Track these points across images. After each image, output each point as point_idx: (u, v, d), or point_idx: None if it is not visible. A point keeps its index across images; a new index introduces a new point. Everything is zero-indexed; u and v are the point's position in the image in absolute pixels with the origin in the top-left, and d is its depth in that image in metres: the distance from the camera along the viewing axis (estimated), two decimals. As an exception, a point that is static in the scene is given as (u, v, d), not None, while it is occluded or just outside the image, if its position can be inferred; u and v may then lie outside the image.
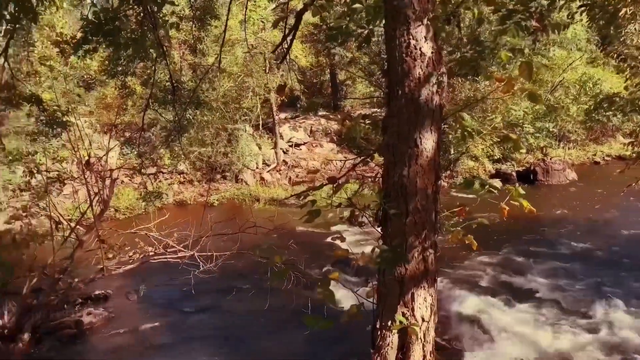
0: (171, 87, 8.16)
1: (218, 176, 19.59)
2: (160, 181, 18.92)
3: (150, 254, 9.97)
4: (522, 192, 4.25)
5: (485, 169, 19.59)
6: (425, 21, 4.02)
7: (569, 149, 22.21)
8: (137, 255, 10.06)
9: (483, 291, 9.07)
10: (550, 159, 20.10)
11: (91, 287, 9.27)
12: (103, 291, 9.52)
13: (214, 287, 9.43)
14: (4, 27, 5.68)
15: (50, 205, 10.28)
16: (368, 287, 4.77)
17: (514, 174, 19.34)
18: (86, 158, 11.95)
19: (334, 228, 12.77)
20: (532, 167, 19.48)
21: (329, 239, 11.92)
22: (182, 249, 9.73)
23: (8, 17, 4.46)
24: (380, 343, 4.49)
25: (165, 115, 13.66)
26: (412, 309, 4.39)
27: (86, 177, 10.14)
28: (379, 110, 20.56)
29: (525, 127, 19.18)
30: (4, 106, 7.96)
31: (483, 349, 7.09)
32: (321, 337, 7.34)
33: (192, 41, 17.89)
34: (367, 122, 5.10)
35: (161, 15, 6.50)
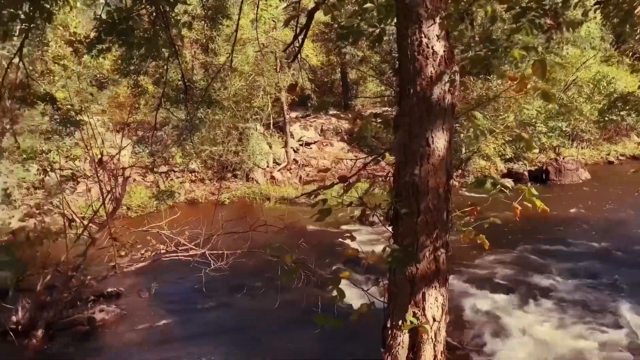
0: (183, 86, 8.21)
1: (229, 175, 19.66)
2: (172, 180, 19.05)
3: (162, 251, 10.03)
4: (535, 192, 4.22)
5: (497, 168, 19.46)
6: (437, 19, 4.00)
7: (582, 148, 21.99)
8: (149, 253, 10.12)
9: (495, 291, 9.01)
10: (563, 158, 19.91)
11: (103, 284, 9.35)
12: (115, 288, 9.61)
13: (225, 285, 9.47)
14: (18, 27, 5.74)
15: (63, 203, 10.39)
16: (379, 286, 4.76)
17: (526, 173, 19.18)
18: (99, 156, 12.05)
19: (344, 227, 12.76)
20: (544, 167, 19.31)
21: (339, 238, 11.95)
22: (194, 247, 9.78)
23: (23, 16, 4.51)
24: (391, 342, 4.48)
25: (177, 114, 13.74)
26: (423, 309, 4.37)
27: (99, 175, 10.23)
28: (389, 109, 20.52)
29: (538, 126, 19.02)
30: (19, 105, 8.05)
31: (495, 349, 7.05)
32: (332, 335, 7.35)
33: (204, 40, 17.98)
34: (379, 120, 5.09)
35: (173, 14, 6.54)
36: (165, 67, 8.00)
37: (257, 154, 19.82)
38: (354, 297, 7.19)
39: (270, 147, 21.05)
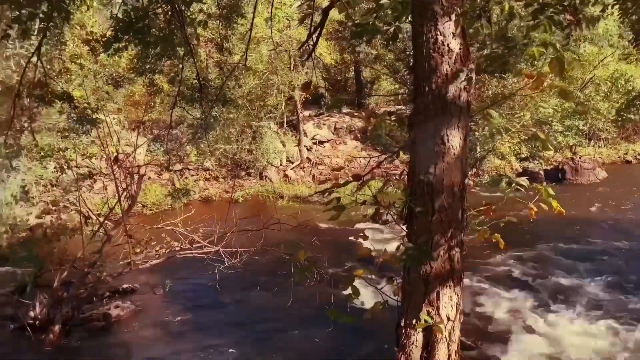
0: (198, 84, 8.26)
1: (243, 173, 19.76)
2: (186, 177, 19.19)
3: (176, 249, 10.12)
4: (552, 192, 4.16)
5: (512, 167, 19.29)
6: (453, 17, 3.96)
7: (599, 147, 21.69)
8: (164, 250, 10.21)
9: (510, 290, 8.94)
10: (580, 157, 19.67)
11: (119, 280, 9.45)
12: (130, 285, 9.71)
13: (239, 283, 9.52)
14: (37, 26, 5.83)
15: (80, 200, 10.53)
16: (392, 284, 4.74)
17: (541, 172, 18.99)
18: (115, 154, 12.17)
19: (357, 226, 12.75)
20: (560, 166, 19.09)
21: (352, 237, 11.94)
22: (208, 245, 9.84)
23: (42, 15, 4.58)
24: (405, 341, 4.46)
25: (192, 113, 13.83)
26: (438, 308, 4.35)
27: (115, 173, 10.34)
28: (403, 107, 20.44)
29: (554, 125, 18.81)
30: (37, 103, 8.17)
31: (509, 348, 6.99)
32: (345, 334, 7.35)
33: (219, 39, 18.06)
34: (393, 119, 5.07)
35: (189, 13, 6.58)
36: (181, 65, 8.06)
37: (271, 153, 19.89)
38: (367, 295, 7.19)
39: (284, 145, 21.10)
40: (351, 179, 4.47)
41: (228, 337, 7.78)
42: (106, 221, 9.55)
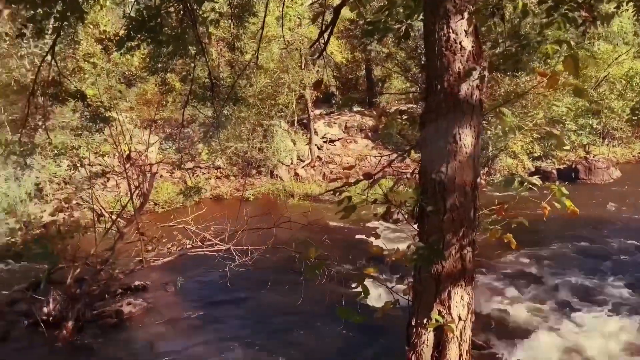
0: (210, 83, 8.29)
1: (253, 171, 19.81)
2: (198, 176, 19.29)
3: (188, 246, 10.18)
4: (566, 191, 4.12)
5: (525, 167, 19.11)
6: (465, 14, 3.94)
7: (613, 146, 21.41)
8: (175, 248, 10.28)
9: (522, 290, 8.87)
10: (593, 156, 19.44)
11: (131, 278, 9.53)
12: (142, 282, 9.79)
13: (249, 281, 9.55)
14: (51, 25, 5.88)
15: (93, 198, 10.63)
16: (403, 283, 4.73)
17: (554, 171, 18.80)
18: (127, 153, 12.28)
19: (368, 225, 12.73)
20: (574, 165, 18.90)
21: (363, 236, 11.92)
22: (219, 243, 9.88)
23: (56, 15, 4.62)
24: (416, 341, 4.45)
25: (204, 112, 13.89)
26: (449, 307, 4.33)
27: (127, 171, 10.42)
28: (415, 106, 20.35)
29: (568, 124, 18.60)
30: (50, 102, 8.25)
31: (521, 348, 6.94)
32: (356, 332, 7.35)
33: (231, 38, 18.12)
34: (404, 117, 5.05)
35: (201, 12, 6.61)
36: (193, 64, 8.09)
37: (282, 151, 19.92)
38: (378, 294, 7.18)
39: (295, 144, 21.11)
40: (362, 177, 4.47)
41: (239, 335, 7.82)
42: (118, 219, 9.63)
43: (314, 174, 20.53)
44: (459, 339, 4.37)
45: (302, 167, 20.73)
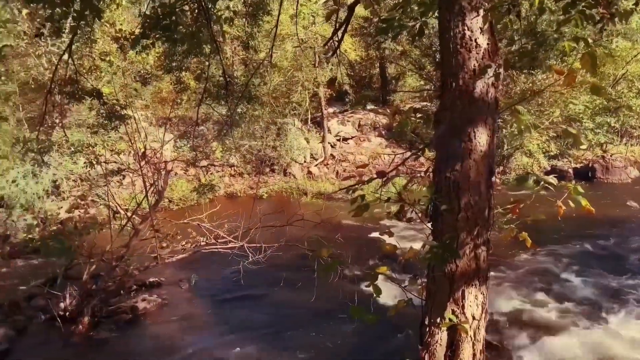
0: (224, 82, 8.33)
1: (267, 169, 19.87)
2: (212, 173, 19.40)
3: (202, 244, 10.24)
4: (581, 190, 4.07)
5: (540, 165, 18.89)
6: (481, 11, 3.90)
7: (631, 145, 21.05)
8: (189, 245, 10.35)
9: (537, 290, 8.77)
10: (611, 155, 19.16)
11: (145, 274, 9.61)
12: (157, 279, 9.87)
13: (263, 278, 9.58)
14: (68, 24, 5.96)
15: (108, 195, 10.75)
16: (416, 283, 4.72)
17: (570, 170, 18.57)
18: (142, 150, 12.38)
19: (381, 223, 12.69)
20: (590, 164, 18.64)
21: (376, 234, 11.89)
22: (232, 240, 9.93)
23: (74, 14, 4.68)
24: (429, 340, 4.44)
25: (218, 110, 13.96)
26: (463, 307, 4.31)
27: (142, 168, 10.52)
28: (429, 104, 20.23)
29: (585, 122, 18.34)
30: (67, 100, 8.36)
31: (535, 349, 6.87)
32: (369, 331, 7.34)
33: (245, 37, 18.18)
34: (418, 115, 5.02)
35: (215, 10, 6.64)
36: (207, 63, 8.14)
37: (295, 149, 19.93)
38: (391, 293, 7.16)
39: (308, 142, 21.12)
40: (375, 176, 4.45)
41: (252, 332, 7.85)
42: (134, 216, 9.72)
43: (327, 172, 20.53)
44: (473, 338, 4.35)
45: (316, 166, 20.74)
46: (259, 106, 17.76)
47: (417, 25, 4.98)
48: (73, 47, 6.72)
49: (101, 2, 5.24)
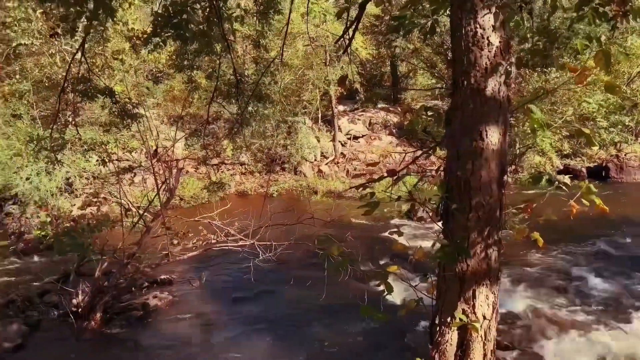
0: (235, 80, 8.35)
1: (277, 168, 19.92)
2: (223, 172, 19.49)
3: (213, 241, 10.28)
4: (594, 189, 4.03)
5: (553, 165, 18.71)
6: (493, 9, 3.87)
7: (646, 144, 20.78)
8: (200, 243, 10.40)
9: (549, 290, 8.69)
10: (625, 155, 18.92)
11: (157, 271, 9.69)
12: (168, 276, 9.94)
13: (273, 276, 9.61)
14: (82, 24, 6.01)
15: (120, 192, 10.83)
16: (427, 282, 4.69)
17: (584, 170, 18.38)
18: (154, 148, 12.47)
19: (392, 222, 12.66)
20: (604, 164, 18.44)
21: (386, 233, 11.87)
22: (243, 238, 9.96)
23: (88, 14, 4.72)
24: (439, 339, 4.41)
25: (229, 108, 14.00)
26: (473, 307, 4.28)
27: (154, 166, 10.59)
28: (440, 102, 20.13)
29: (599, 121, 18.12)
30: (80, 98, 8.43)
31: (547, 350, 6.81)
32: (379, 330, 7.33)
33: (256, 36, 18.22)
34: (429, 114, 5.00)
35: (226, 9, 6.65)
36: (218, 61, 8.17)
37: (305, 148, 19.96)
38: (401, 292, 7.14)
39: (318, 140, 21.13)
40: (386, 174, 4.44)
41: (261, 329, 7.87)
42: (145, 213, 9.79)
43: (338, 170, 20.52)
44: (484, 338, 4.32)
45: (326, 164, 20.74)
46: (270, 105, 17.80)
47: (429, 23, 4.96)
48: (86, 45, 6.77)
49: (114, 1, 5.28)
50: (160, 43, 6.15)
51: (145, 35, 6.72)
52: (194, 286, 9.73)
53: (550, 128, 15.91)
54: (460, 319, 4.24)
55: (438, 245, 4.17)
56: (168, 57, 18.17)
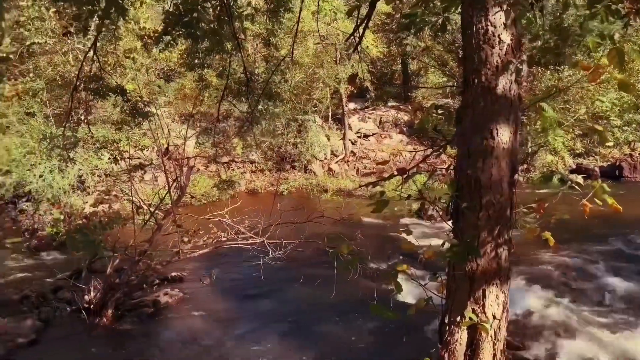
0: (245, 79, 8.38)
1: (287, 166, 19.95)
2: (233, 170, 19.57)
3: (223, 239, 10.34)
4: (608, 189, 3.98)
5: (565, 164, 18.53)
6: (504, 7, 3.84)
7: (661, 143, 20.49)
8: (211, 240, 10.46)
9: (561, 291, 8.62)
10: (639, 154, 18.69)
11: (168, 268, 9.75)
12: (178, 273, 10.00)
13: (282, 274, 9.63)
14: (94, 23, 6.06)
15: (132, 190, 10.92)
16: (437, 281, 4.68)
17: (597, 169, 18.18)
18: (165, 146, 12.55)
19: (402, 221, 12.63)
20: (618, 163, 18.23)
21: (396, 232, 11.84)
22: (253, 236, 10.00)
23: (100, 13, 4.77)
24: (449, 339, 4.40)
25: (239, 107, 14.05)
26: (483, 306, 4.26)
27: (165, 164, 10.66)
28: (451, 101, 20.03)
29: (612, 119, 17.91)
30: (92, 96, 8.51)
31: (558, 351, 6.75)
32: (388, 329, 7.32)
33: (266, 34, 18.24)
34: (440, 112, 4.98)
35: (237, 7, 6.67)
36: (229, 60, 8.19)
37: (316, 146, 19.96)
38: (410, 291, 7.11)
39: (329, 139, 21.12)
40: (396, 173, 4.43)
41: (271, 327, 7.90)
42: (157, 211, 9.86)
43: (348, 169, 20.50)
44: (493, 338, 4.30)
45: (336, 162, 20.73)
46: (280, 103, 17.82)
47: (440, 21, 4.94)
48: (98, 44, 6.84)
49: (125, 0, 5.32)
50: (171, 42, 6.19)
51: (156, 34, 6.77)
52: (204, 283, 9.79)
53: (562, 126, 15.77)
54: (470, 319, 4.23)
55: (448, 244, 4.16)
56: (179, 56, 18.27)
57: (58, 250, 12.02)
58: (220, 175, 18.71)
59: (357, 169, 20.40)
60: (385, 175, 4.40)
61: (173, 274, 9.91)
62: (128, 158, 14.77)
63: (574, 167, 18.36)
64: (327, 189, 18.22)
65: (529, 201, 4.41)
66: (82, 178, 14.79)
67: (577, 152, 18.70)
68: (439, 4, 4.90)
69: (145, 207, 10.39)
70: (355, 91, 23.68)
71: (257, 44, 20.28)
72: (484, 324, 4.18)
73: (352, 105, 23.82)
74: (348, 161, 20.95)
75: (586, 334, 7.15)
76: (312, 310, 8.46)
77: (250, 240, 9.97)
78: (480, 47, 3.92)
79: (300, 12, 7.06)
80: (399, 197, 4.29)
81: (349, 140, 21.46)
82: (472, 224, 4.14)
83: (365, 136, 22.36)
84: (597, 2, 3.46)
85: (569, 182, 4.17)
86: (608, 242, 10.97)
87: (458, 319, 4.33)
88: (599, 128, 3.85)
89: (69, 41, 14.31)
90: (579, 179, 4.18)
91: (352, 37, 5.53)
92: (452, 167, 4.50)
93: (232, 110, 18.40)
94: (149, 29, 12.43)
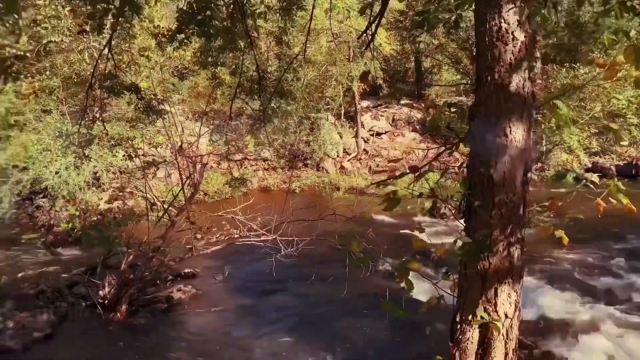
0: (257, 77, 8.40)
1: (300, 164, 19.98)
2: (246, 167, 19.65)
3: (236, 236, 10.40)
4: (622, 187, 3.94)
5: (581, 162, 18.32)
6: (518, 3, 3.81)
7: (679, 142, 20.15)
8: (224, 237, 10.53)
9: (574, 290, 8.53)
10: (657, 152, 18.43)
11: (181, 265, 9.85)
12: (191, 270, 10.09)
13: (294, 271, 9.67)
14: (109, 21, 6.12)
15: (146, 187, 11.02)
16: (448, 279, 4.66)
17: (613, 168, 17.94)
18: (179, 144, 12.64)
19: (414, 219, 12.58)
20: (634, 162, 17.97)
21: (408, 230, 11.81)
22: (265, 233, 10.05)
23: (114, 11, 4.82)
24: (460, 337, 4.38)
25: (252, 105, 14.09)
26: (495, 305, 4.23)
27: (178, 161, 10.74)
28: (465, 98, 19.88)
29: (629, 117, 17.65)
30: (107, 94, 8.60)
31: (571, 350, 6.70)
32: (399, 327, 7.32)
33: (279, 32, 18.27)
34: (453, 110, 4.95)
35: (249, 5, 6.69)
36: (241, 58, 8.22)
37: (328, 144, 19.96)
38: (422, 289, 7.09)
39: (341, 137, 21.10)
40: (408, 171, 4.42)
41: (282, 324, 7.94)
42: (170, 208, 9.95)
43: (360, 167, 20.47)
44: (505, 337, 4.27)
45: (348, 160, 20.71)
46: (293, 101, 17.84)
47: (453, 18, 4.91)
48: (113, 42, 6.90)
49: (140, -1, 5.37)
50: (185, 40, 6.23)
51: (170, 33, 6.82)
52: (217, 280, 9.86)
53: (577, 124, 15.57)
54: (482, 317, 4.20)
55: (460, 242, 4.14)
56: (193, 54, 18.39)
57: (73, 246, 12.19)
58: (233, 172, 18.81)
59: (370, 167, 20.36)
60: (398, 173, 4.39)
61: (186, 271, 9.99)
62: (142, 155, 14.89)
63: (590, 165, 18.15)
64: (340, 186, 18.22)
65: (544, 200, 4.38)
66: (97, 175, 14.96)
67: (593, 150, 18.48)
68: (452, 1, 4.88)
69: (159, 204, 10.49)
70: (368, 89, 23.62)
71: (269, 42, 20.30)
72: (496, 322, 4.16)
73: (364, 103, 23.76)
74: (360, 159, 20.92)
75: (604, 334, 7.08)
76: (324, 307, 8.48)
77: (263, 238, 10.02)
78: (493, 44, 3.89)
79: (313, 10, 7.07)
80: (411, 195, 4.28)
81: (362, 138, 21.42)
82: (485, 222, 4.12)
83: (378, 134, 22.30)
84: (612, -1, 3.43)
85: (584, 180, 4.13)
86: (622, 241, 10.84)
87: (470, 317, 4.31)
88: (614, 127, 3.80)
89: (84, 39, 14.46)
90: (594, 177, 4.14)
91: (365, 34, 5.52)
92: (464, 165, 4.47)
93: (244, 108, 18.47)
94: (163, 27, 12.52)
